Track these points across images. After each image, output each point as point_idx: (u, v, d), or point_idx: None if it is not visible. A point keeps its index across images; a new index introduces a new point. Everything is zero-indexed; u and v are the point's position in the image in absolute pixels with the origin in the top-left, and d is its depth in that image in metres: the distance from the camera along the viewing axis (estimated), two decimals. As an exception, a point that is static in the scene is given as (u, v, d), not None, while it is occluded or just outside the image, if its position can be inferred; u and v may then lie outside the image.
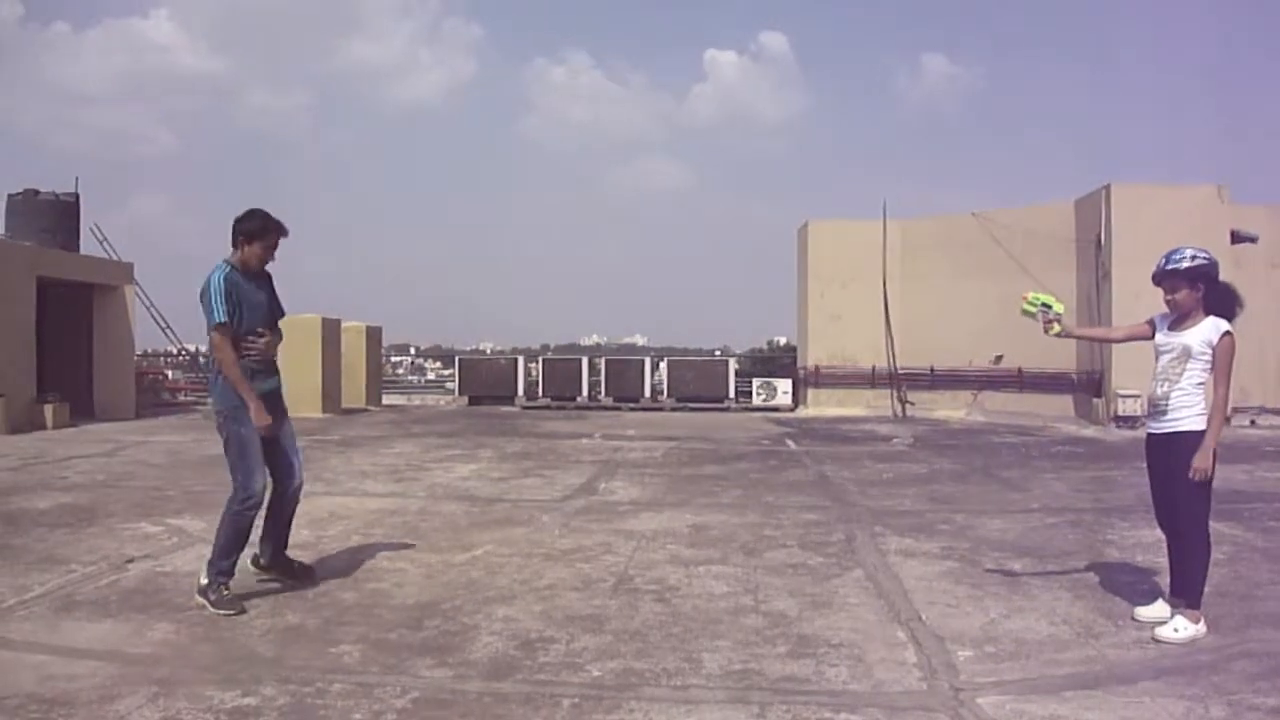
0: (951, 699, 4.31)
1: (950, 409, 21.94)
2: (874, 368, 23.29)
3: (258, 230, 5.90)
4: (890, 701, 4.28)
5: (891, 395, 23.05)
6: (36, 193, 21.68)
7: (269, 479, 5.97)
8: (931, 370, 22.63)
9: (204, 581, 5.78)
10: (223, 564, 5.78)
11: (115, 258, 22.96)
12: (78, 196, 22.43)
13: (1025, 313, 5.79)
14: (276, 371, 6.09)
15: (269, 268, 6.08)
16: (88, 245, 22.74)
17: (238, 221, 5.92)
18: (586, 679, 4.58)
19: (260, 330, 5.90)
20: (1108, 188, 18.82)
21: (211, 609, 5.66)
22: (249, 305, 5.85)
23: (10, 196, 21.66)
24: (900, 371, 22.94)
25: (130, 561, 7.02)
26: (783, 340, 41.69)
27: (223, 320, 5.71)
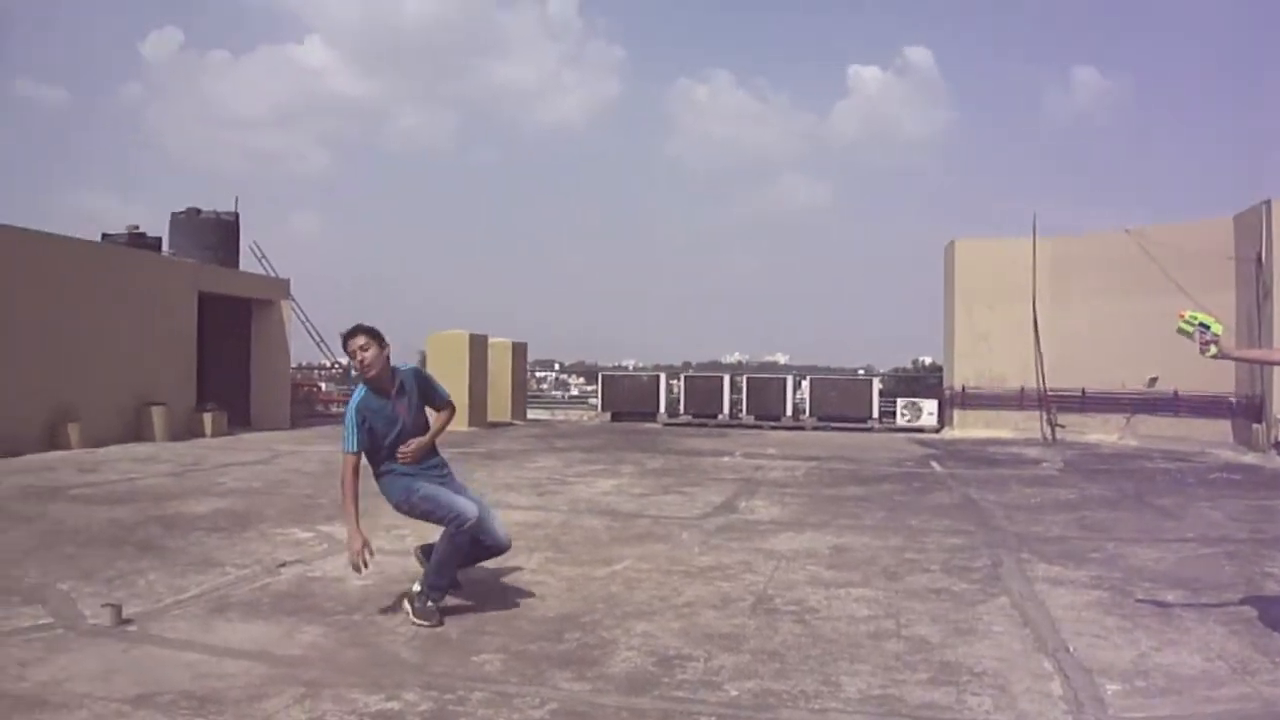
0: (1099, 733, 4.16)
1: (1102, 432, 21.24)
2: (1023, 389, 22.68)
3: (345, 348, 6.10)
4: (1035, 734, 4.15)
5: (1041, 418, 22.39)
6: (199, 211, 22.63)
7: (480, 510, 6.10)
8: (1083, 392, 21.91)
9: (415, 589, 5.91)
10: (436, 580, 5.89)
11: (273, 274, 23.81)
12: (237, 215, 23.35)
13: (1181, 331, 5.58)
14: (435, 453, 6.24)
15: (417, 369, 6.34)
16: (247, 262, 23.66)
17: None
18: (724, 698, 4.56)
19: (405, 440, 6.06)
20: (1268, 203, 17.99)
21: (413, 617, 5.77)
22: (384, 421, 6.00)
23: (174, 215, 22.65)
24: (1050, 393, 22.27)
25: (282, 566, 7.25)
26: (928, 360, 41.03)
27: (349, 450, 5.91)
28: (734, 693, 4.63)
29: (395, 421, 6.02)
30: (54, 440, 15.70)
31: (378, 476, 6.13)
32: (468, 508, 5.91)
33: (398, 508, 6.11)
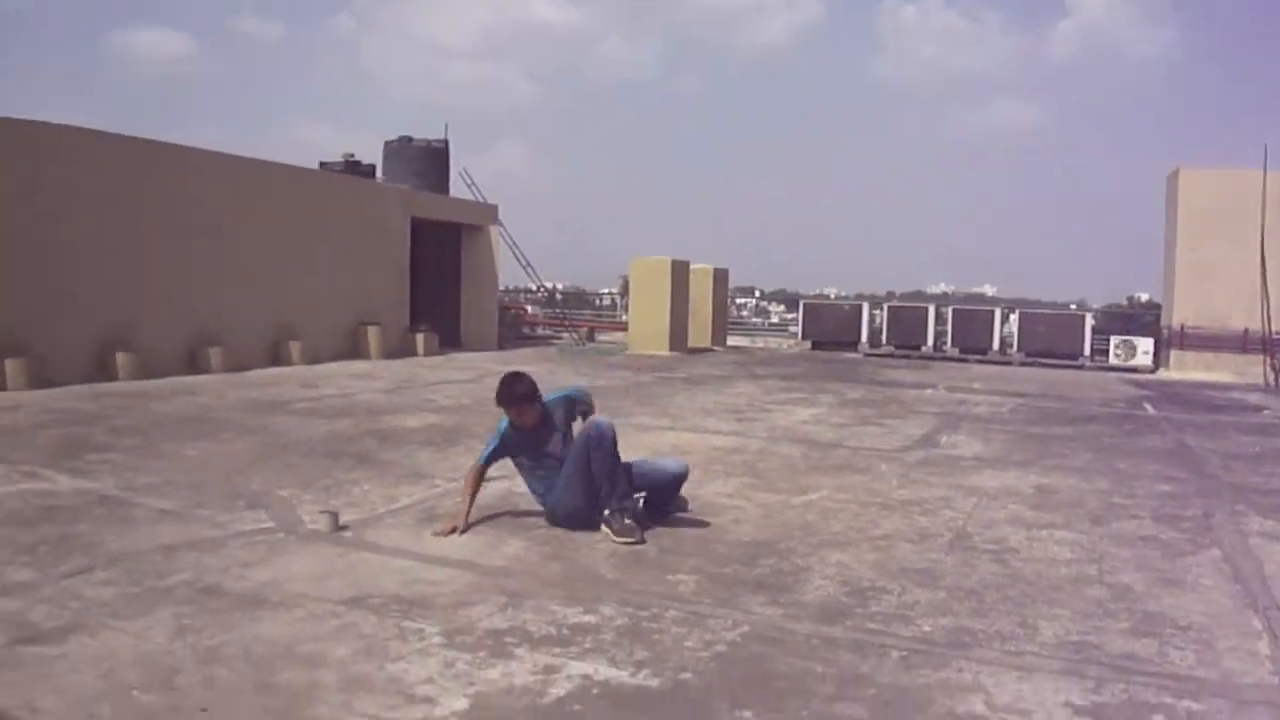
0: (1310, 697, 3.99)
1: (1334, 381, 20.00)
2: (1246, 331, 21.47)
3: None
4: (1237, 694, 3.98)
5: (1264, 362, 21.15)
6: (410, 140, 23.34)
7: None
8: (1314, 337, 20.66)
9: (605, 513, 6.06)
10: (611, 489, 6.07)
11: (481, 200, 24.36)
12: (447, 143, 23.97)
13: None
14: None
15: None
16: (456, 188, 24.28)
17: None
18: (917, 633, 4.55)
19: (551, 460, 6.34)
20: None
21: (613, 536, 5.94)
22: (530, 451, 6.37)
23: (387, 143, 23.44)
24: (1276, 336, 21.05)
25: (488, 480, 7.52)
26: (1145, 296, 39.37)
27: (480, 460, 6.39)
28: (927, 628, 4.62)
29: (542, 448, 6.33)
30: (277, 357, 16.58)
31: (536, 493, 6.47)
32: (606, 424, 6.20)
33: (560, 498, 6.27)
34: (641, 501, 6.27)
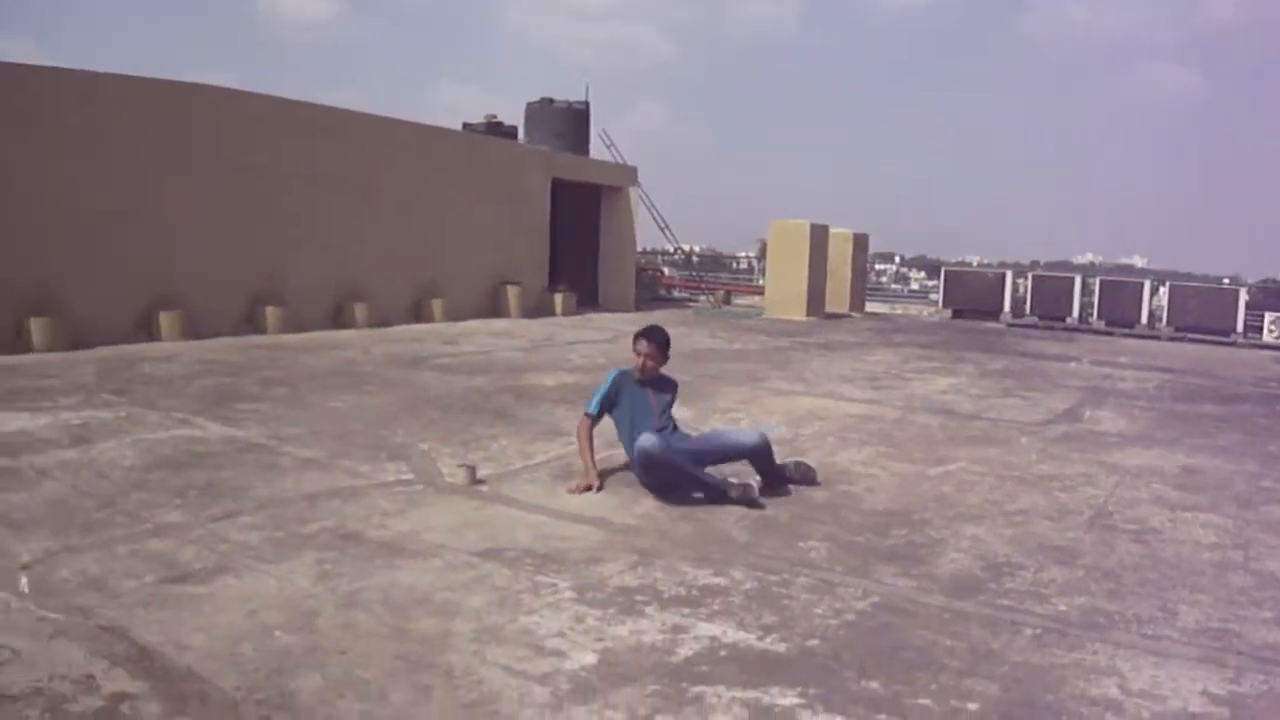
0: None
1: None
2: None
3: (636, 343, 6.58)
4: (1394, 689, 3.85)
5: None
6: (551, 101, 23.44)
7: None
8: None
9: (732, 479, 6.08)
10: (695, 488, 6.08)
11: (621, 161, 24.38)
12: (587, 104, 24.01)
13: None
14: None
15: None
16: (596, 150, 24.34)
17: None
18: (1051, 612, 4.48)
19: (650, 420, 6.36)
20: None
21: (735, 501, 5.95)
22: (633, 405, 6.42)
23: (528, 105, 23.60)
24: None
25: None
26: (1308, 272, 37.59)
27: (588, 412, 6.47)
28: (1063, 607, 4.54)
29: (647, 411, 6.37)
30: (419, 314, 16.93)
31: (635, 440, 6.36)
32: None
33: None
34: (757, 488, 6.09)
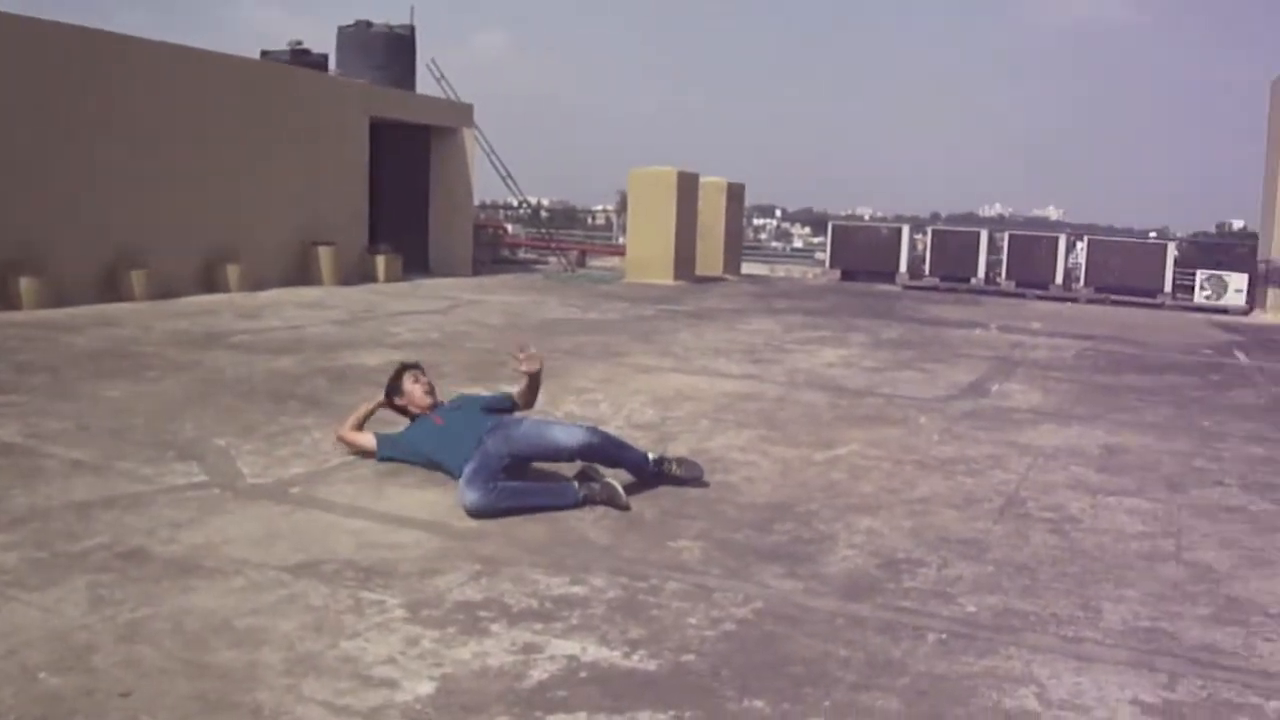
0: None
1: None
2: (1360, 267, 21.47)
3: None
4: (1339, 691, 4.03)
5: (1380, 305, 21.21)
6: (369, 24, 22.93)
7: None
8: None
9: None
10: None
11: (454, 98, 24.10)
12: (413, 29, 23.55)
13: None
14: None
15: None
16: (424, 84, 23.99)
17: None
18: (958, 614, 4.58)
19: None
20: None
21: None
22: (436, 442, 6.47)
23: (341, 29, 22.98)
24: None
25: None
26: (1239, 224, 39.30)
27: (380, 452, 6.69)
28: (971, 608, 4.65)
29: (450, 433, 6.36)
30: (211, 282, 16.50)
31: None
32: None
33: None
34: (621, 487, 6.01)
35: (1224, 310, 23.36)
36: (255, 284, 16.86)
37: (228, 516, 5.48)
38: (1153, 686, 3.92)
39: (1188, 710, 3.77)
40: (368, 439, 6.69)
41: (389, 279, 19.53)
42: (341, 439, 6.86)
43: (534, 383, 6.70)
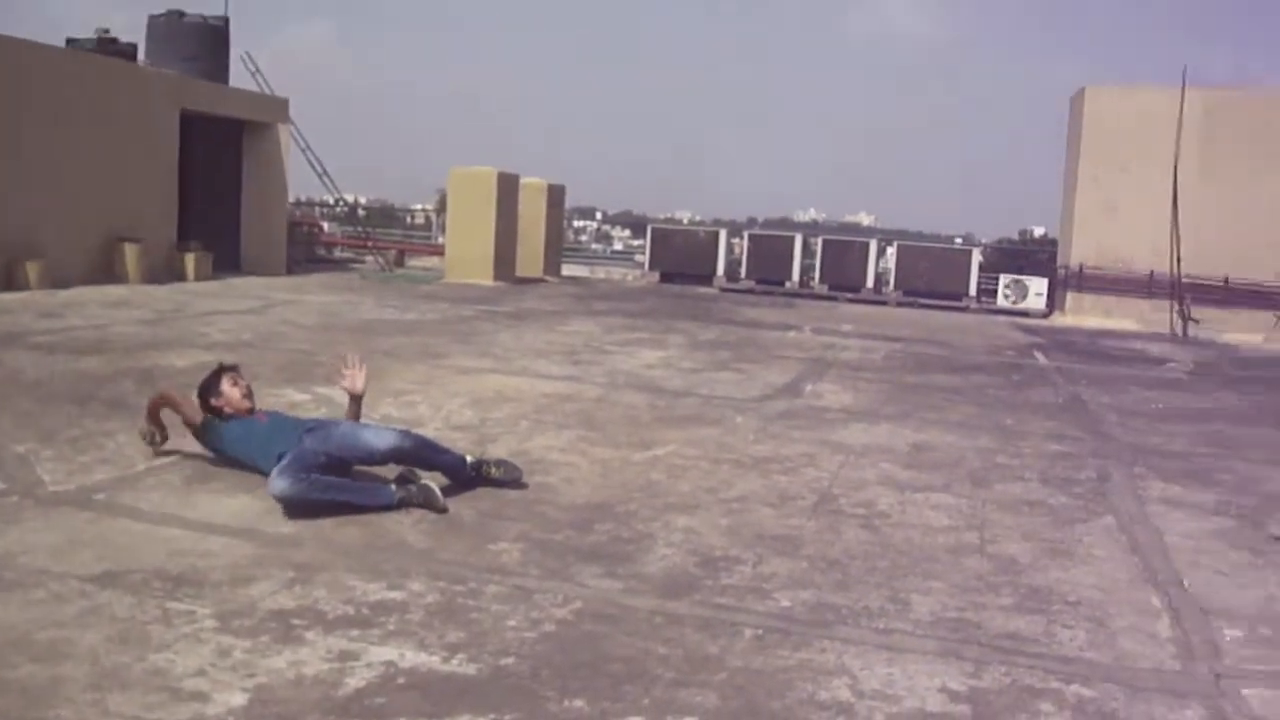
0: (1210, 686, 4.19)
1: (1245, 331, 20.94)
2: (1152, 273, 22.27)
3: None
4: (1133, 679, 4.19)
5: (1171, 309, 22.03)
6: (181, 15, 22.28)
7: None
8: (1225, 282, 21.52)
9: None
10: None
11: (269, 91, 23.62)
12: (227, 21, 23.00)
13: None
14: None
15: None
16: (238, 77, 23.46)
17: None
18: (774, 609, 4.65)
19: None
20: None
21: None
22: (257, 440, 6.37)
23: (151, 18, 22.31)
24: (1185, 280, 21.85)
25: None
26: (1040, 231, 40.68)
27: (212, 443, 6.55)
28: (785, 603, 4.73)
29: (274, 430, 6.29)
30: (9, 280, 15.86)
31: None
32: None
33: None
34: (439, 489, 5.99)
35: (1026, 313, 24.20)
36: (57, 282, 16.24)
37: (27, 525, 5.27)
38: (960, 675, 4.05)
39: (993, 696, 3.90)
40: (194, 409, 6.45)
41: (199, 277, 19.01)
42: (165, 396, 6.63)
43: (358, 399, 6.59)
